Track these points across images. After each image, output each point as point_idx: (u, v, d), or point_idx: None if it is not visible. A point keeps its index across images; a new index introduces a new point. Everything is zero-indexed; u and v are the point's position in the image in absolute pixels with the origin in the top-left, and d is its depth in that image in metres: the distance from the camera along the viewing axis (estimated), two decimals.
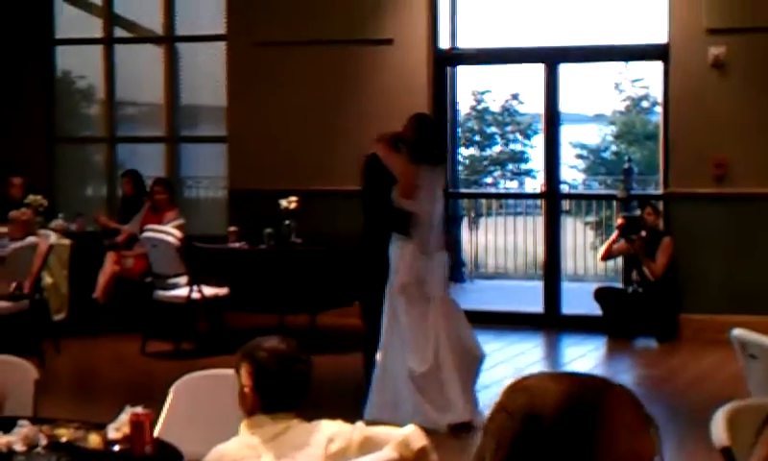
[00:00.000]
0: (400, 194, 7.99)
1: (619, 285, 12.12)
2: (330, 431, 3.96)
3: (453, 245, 8.36)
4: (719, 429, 4.35)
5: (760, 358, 4.87)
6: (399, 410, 7.73)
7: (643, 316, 11.36)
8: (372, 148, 8.38)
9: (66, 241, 11.71)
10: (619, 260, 12.64)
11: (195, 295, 10.80)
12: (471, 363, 8.17)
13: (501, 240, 17.12)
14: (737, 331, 5.50)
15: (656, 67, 12.26)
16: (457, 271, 14.55)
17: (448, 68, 12.88)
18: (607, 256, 12.22)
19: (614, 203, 11.87)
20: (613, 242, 11.83)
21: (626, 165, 14.45)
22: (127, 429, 4.58)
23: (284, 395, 4.03)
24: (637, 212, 11.75)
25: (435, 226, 8.05)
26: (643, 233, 11.43)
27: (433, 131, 8.10)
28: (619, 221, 11.87)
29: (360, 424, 4.07)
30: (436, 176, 8.07)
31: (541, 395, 1.70)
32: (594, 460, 1.66)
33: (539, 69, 12.49)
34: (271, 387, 4.01)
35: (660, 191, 12.12)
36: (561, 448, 1.66)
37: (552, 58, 12.41)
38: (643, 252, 11.39)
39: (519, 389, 1.75)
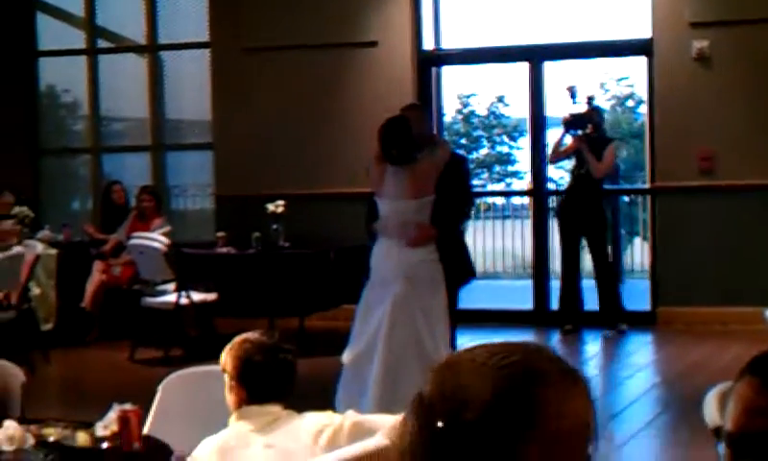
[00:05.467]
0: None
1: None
2: (319, 421, 3.96)
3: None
4: (711, 409, 4.30)
5: None
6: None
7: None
8: None
9: (53, 251, 11.64)
10: None
11: (183, 301, 10.76)
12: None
13: (490, 243, 17.10)
14: None
15: (640, 63, 12.26)
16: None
17: (433, 69, 12.84)
18: (555, 159, 11.82)
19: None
20: (559, 142, 11.51)
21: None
22: (115, 427, 4.54)
23: (270, 385, 4.04)
24: (583, 109, 11.49)
25: (401, 223, 7.99)
26: (589, 129, 11.21)
27: (390, 131, 8.07)
28: (565, 117, 11.50)
29: (351, 412, 4.07)
30: (402, 175, 8.03)
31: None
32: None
33: (523, 69, 12.47)
34: (256, 377, 4.02)
35: (647, 185, 12.10)
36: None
37: (536, 55, 12.40)
38: (588, 147, 11.15)
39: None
